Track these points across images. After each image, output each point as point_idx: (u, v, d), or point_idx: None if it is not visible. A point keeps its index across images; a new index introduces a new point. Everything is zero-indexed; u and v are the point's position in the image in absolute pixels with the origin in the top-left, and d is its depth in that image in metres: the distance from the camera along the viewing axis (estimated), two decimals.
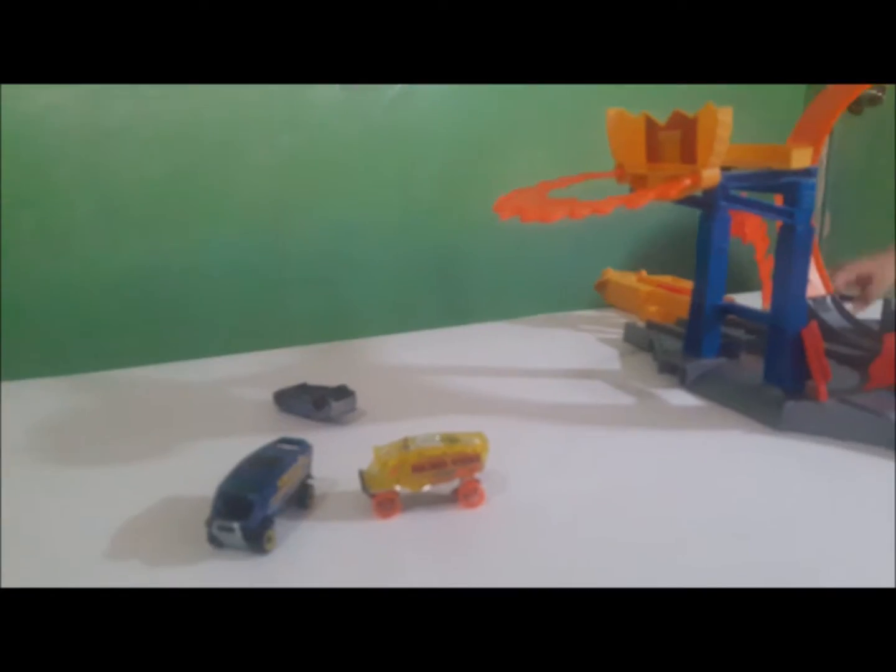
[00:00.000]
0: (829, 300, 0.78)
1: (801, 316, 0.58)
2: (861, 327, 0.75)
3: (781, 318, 0.59)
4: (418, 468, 0.45)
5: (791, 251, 0.58)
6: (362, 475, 0.45)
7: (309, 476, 0.47)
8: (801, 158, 0.55)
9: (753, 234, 0.82)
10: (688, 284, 0.95)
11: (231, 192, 0.91)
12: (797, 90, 1.28)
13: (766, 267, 0.83)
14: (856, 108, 1.25)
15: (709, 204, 0.60)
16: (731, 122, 0.52)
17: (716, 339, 0.68)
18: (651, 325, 0.80)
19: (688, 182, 0.52)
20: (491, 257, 1.06)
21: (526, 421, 0.59)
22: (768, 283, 0.83)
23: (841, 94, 0.71)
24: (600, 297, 1.02)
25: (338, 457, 0.50)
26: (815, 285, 0.79)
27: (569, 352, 0.77)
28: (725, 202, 0.54)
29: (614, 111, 0.61)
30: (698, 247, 0.67)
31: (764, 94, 1.19)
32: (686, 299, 0.87)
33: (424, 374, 0.70)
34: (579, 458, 0.54)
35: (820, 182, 1.34)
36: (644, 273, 1.02)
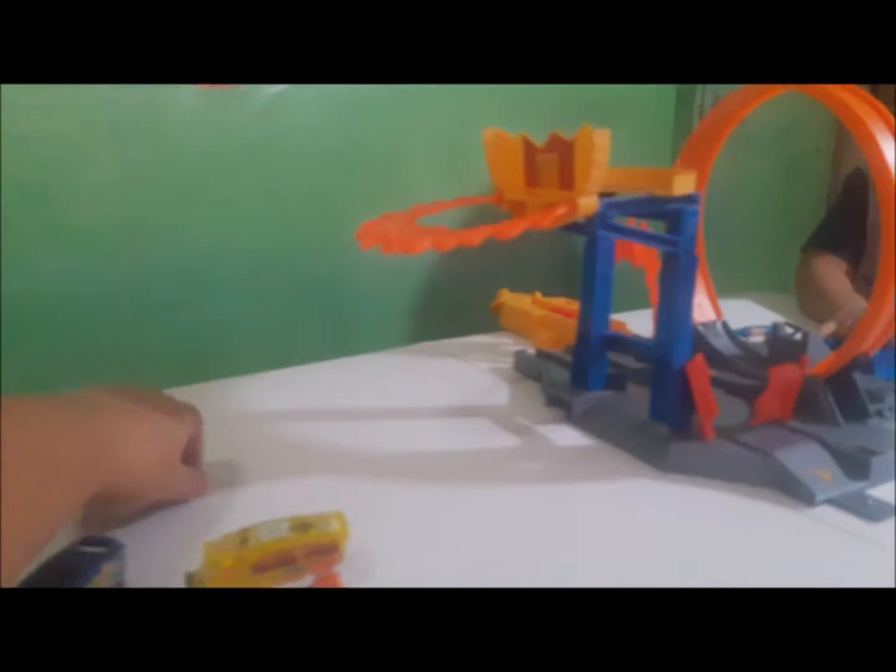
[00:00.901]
0: (719, 326, 0.76)
1: (686, 348, 0.55)
2: (752, 354, 0.74)
3: (666, 350, 0.56)
4: (260, 568, 0.37)
5: (675, 280, 0.55)
6: (190, 579, 0.37)
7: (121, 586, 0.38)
8: (683, 185, 0.52)
9: (643, 257, 0.80)
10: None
11: (69, 209, 0.81)
12: (667, 108, 1.30)
13: (657, 290, 0.81)
14: None
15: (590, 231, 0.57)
16: (608, 146, 0.48)
17: (602, 369, 0.65)
18: (541, 354, 0.76)
19: (563, 210, 0.48)
20: (378, 279, 1.01)
21: (398, 479, 0.53)
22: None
23: (735, 110, 0.69)
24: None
25: (168, 551, 0.43)
26: (706, 310, 0.77)
27: (453, 385, 0.72)
28: (604, 231, 0.51)
29: (491, 131, 0.57)
30: (583, 274, 0.63)
31: (633, 111, 1.19)
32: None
33: (287, 423, 0.63)
34: (456, 521, 0.48)
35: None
36: (538, 295, 0.99)
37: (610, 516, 0.49)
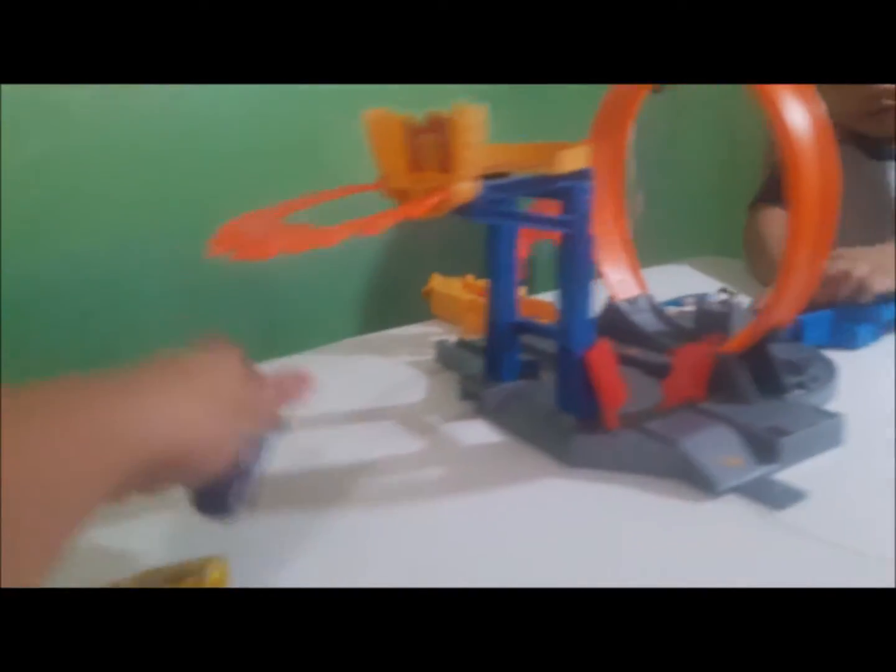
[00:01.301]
0: (643, 300, 0.73)
1: (588, 334, 0.52)
2: (677, 328, 0.71)
3: (567, 337, 0.53)
4: None
5: (571, 262, 0.51)
6: None
7: None
8: (572, 160, 0.49)
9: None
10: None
11: None
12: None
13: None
14: (656, 87, 1.24)
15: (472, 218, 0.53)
16: (482, 124, 0.45)
17: (515, 358, 0.61)
18: (461, 343, 0.73)
19: (434, 200, 0.44)
20: (310, 272, 0.97)
21: (294, 494, 0.50)
22: None
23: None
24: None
25: None
26: (629, 285, 0.74)
27: (369, 384, 0.69)
28: (486, 217, 0.47)
29: (375, 112, 0.53)
30: (486, 261, 0.60)
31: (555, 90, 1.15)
32: None
33: None
34: (353, 532, 0.45)
35: (631, 163, 1.34)
36: (471, 278, 0.96)
37: (510, 518, 0.46)
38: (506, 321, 0.60)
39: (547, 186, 0.49)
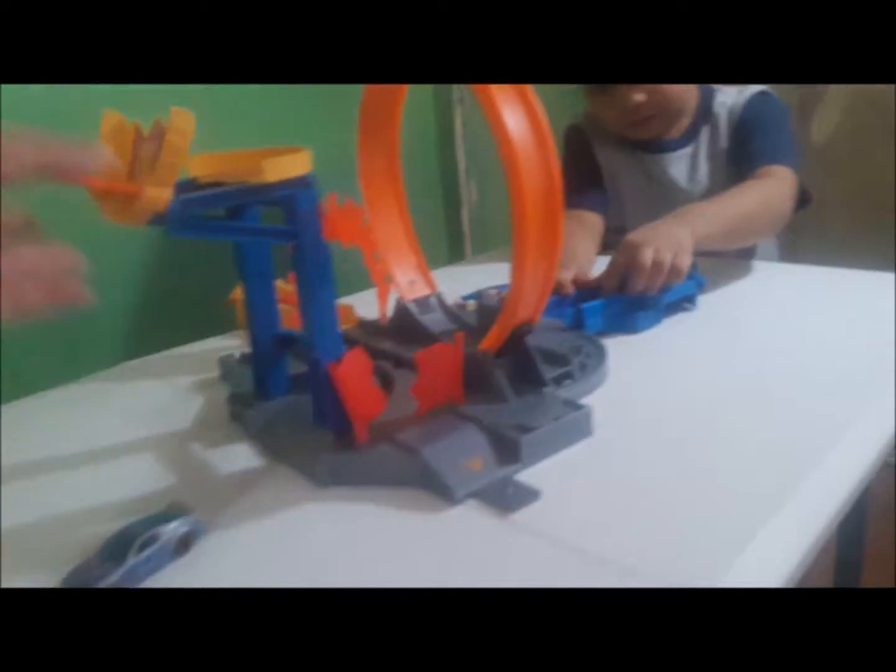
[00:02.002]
0: (433, 300, 0.72)
1: (334, 346, 0.50)
2: (465, 326, 0.70)
3: (314, 350, 0.50)
4: None
5: (305, 274, 0.49)
6: None
7: None
8: (284, 167, 0.46)
9: (353, 235, 0.74)
10: None
11: None
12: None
13: (378, 270, 0.76)
14: None
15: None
16: (191, 130, 0.41)
17: (282, 373, 0.59)
18: (244, 358, 0.69)
19: (124, 205, 0.41)
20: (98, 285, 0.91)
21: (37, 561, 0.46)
22: (383, 286, 0.76)
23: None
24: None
25: None
26: (418, 286, 0.73)
27: (138, 413, 0.64)
28: (188, 231, 0.43)
29: (111, 116, 0.48)
30: (239, 273, 0.57)
31: None
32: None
33: None
34: None
35: (459, 153, 1.35)
36: (280, 282, 0.92)
37: (256, 548, 0.44)
38: (266, 334, 0.57)
39: (259, 196, 0.47)
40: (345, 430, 0.50)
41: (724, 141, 0.97)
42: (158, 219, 0.43)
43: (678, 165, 0.99)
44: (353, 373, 0.50)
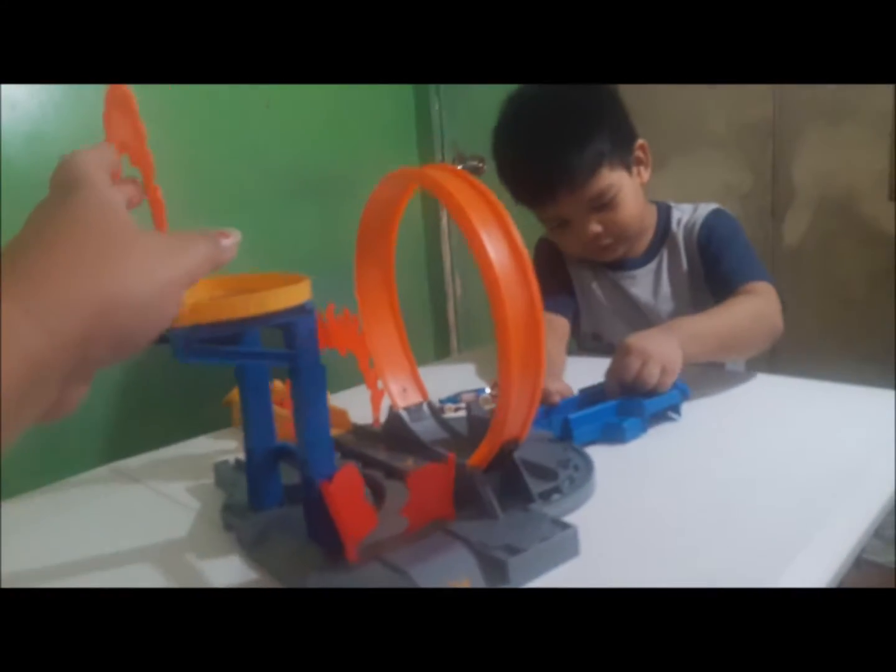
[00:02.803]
0: (424, 407, 0.74)
1: (327, 463, 0.52)
2: (456, 434, 0.72)
3: (308, 468, 0.52)
4: None
5: (301, 395, 0.51)
6: None
7: None
8: (288, 297, 0.49)
9: (349, 343, 0.77)
10: None
11: None
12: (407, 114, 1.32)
13: (372, 376, 0.78)
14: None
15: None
16: None
17: (276, 485, 0.60)
18: (239, 463, 0.71)
19: None
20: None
21: None
22: (377, 392, 0.79)
23: (396, 191, 0.67)
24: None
25: None
26: (410, 394, 0.75)
27: (129, 521, 0.65)
28: (187, 356, 0.46)
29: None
30: (238, 385, 0.59)
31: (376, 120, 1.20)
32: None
33: None
34: None
35: (445, 246, 1.40)
36: (278, 384, 0.94)
37: None
38: (262, 447, 0.59)
39: (261, 322, 0.49)
40: (336, 548, 0.51)
41: (684, 262, 1.01)
42: (163, 339, 0.46)
43: (642, 283, 1.04)
44: (345, 490, 0.51)
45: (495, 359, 1.03)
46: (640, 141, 0.99)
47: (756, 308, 0.89)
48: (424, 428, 0.72)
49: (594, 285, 1.07)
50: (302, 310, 0.50)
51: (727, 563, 0.50)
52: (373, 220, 0.69)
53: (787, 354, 0.95)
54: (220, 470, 0.71)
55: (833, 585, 0.49)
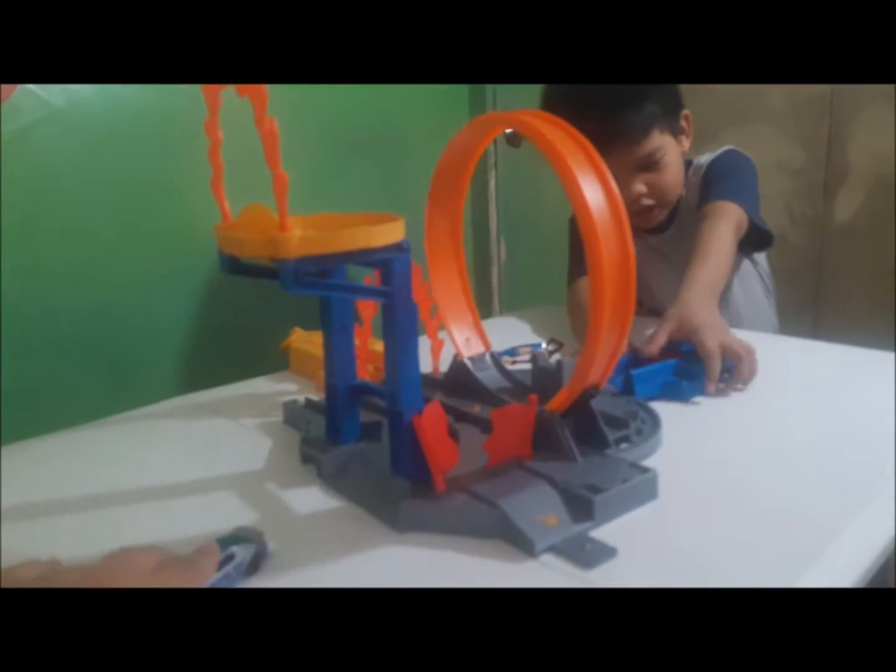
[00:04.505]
0: (487, 358, 0.75)
1: (415, 398, 0.53)
2: (518, 384, 0.73)
3: (396, 402, 0.53)
4: None
5: (394, 330, 0.52)
6: None
7: None
8: (388, 234, 0.50)
9: (412, 292, 0.78)
10: (378, 345, 0.90)
11: None
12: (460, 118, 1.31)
13: (433, 326, 0.79)
14: (514, 141, 1.31)
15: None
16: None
17: (354, 421, 0.62)
18: (309, 403, 0.72)
19: None
20: (154, 319, 0.95)
21: None
22: (437, 342, 0.80)
23: (462, 151, 0.68)
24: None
25: None
26: (473, 343, 0.76)
27: (209, 450, 0.67)
28: (295, 286, 0.47)
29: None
30: (321, 325, 0.60)
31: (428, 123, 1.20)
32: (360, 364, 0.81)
33: None
34: None
35: (492, 210, 1.40)
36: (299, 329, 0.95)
37: (337, 577, 0.46)
38: (343, 385, 0.61)
39: (361, 258, 0.50)
40: (423, 480, 0.53)
41: (694, 204, 1.02)
42: (272, 273, 0.47)
43: (671, 243, 1.06)
44: (433, 425, 0.53)
45: (539, 320, 1.05)
46: (685, 111, 1.00)
47: (728, 238, 0.91)
48: (488, 377, 0.74)
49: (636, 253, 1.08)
50: (399, 247, 0.51)
51: (797, 509, 0.52)
52: (448, 165, 0.69)
53: (834, 333, 0.95)
54: (290, 408, 0.73)
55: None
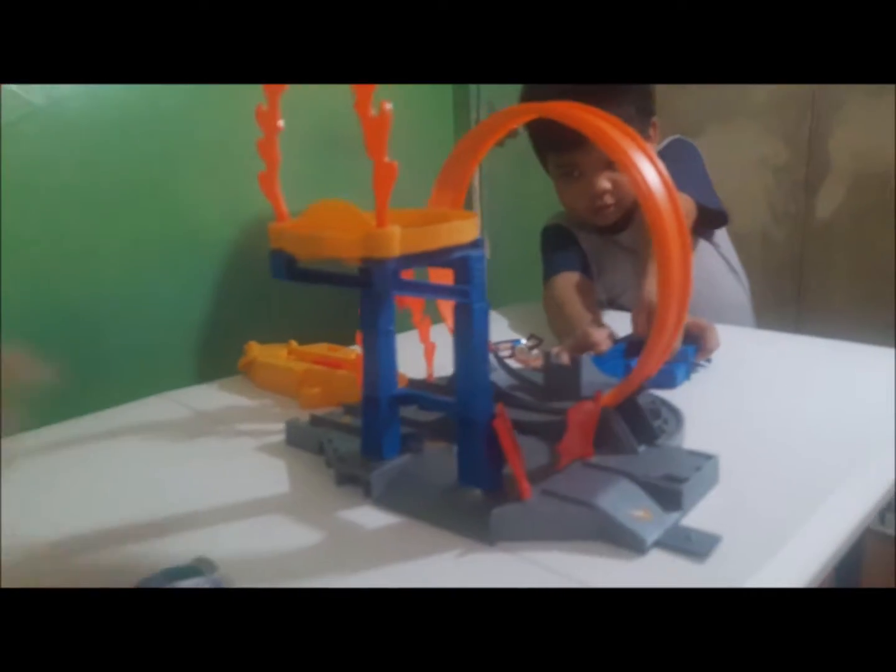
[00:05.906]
0: (492, 358, 0.74)
1: (488, 402, 0.51)
2: (529, 384, 0.73)
3: (469, 408, 0.51)
4: None
5: (470, 332, 0.50)
6: None
7: None
8: (469, 231, 0.48)
9: (406, 299, 0.75)
10: (346, 353, 0.85)
11: None
12: (445, 118, 1.28)
13: (424, 328, 0.77)
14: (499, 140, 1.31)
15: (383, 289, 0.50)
16: None
17: (396, 433, 0.58)
18: (316, 420, 0.67)
19: None
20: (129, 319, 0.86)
21: None
22: (429, 345, 0.77)
23: (485, 134, 0.66)
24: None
25: None
26: None
27: (222, 471, 0.61)
28: (385, 284, 0.44)
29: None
30: (363, 331, 0.56)
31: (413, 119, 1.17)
32: (347, 375, 0.77)
33: None
34: None
35: (475, 209, 1.39)
36: (294, 344, 0.90)
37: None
38: (387, 395, 0.57)
39: (444, 256, 0.48)
40: (497, 487, 0.51)
41: None
42: (359, 279, 0.44)
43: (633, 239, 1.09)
44: (507, 428, 0.51)
45: (518, 317, 1.05)
46: (654, 118, 1.03)
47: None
48: (498, 379, 0.72)
49: (604, 252, 1.10)
50: (476, 245, 0.49)
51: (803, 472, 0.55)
52: (460, 156, 0.67)
53: (816, 328, 1.00)
54: (293, 427, 0.67)
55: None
